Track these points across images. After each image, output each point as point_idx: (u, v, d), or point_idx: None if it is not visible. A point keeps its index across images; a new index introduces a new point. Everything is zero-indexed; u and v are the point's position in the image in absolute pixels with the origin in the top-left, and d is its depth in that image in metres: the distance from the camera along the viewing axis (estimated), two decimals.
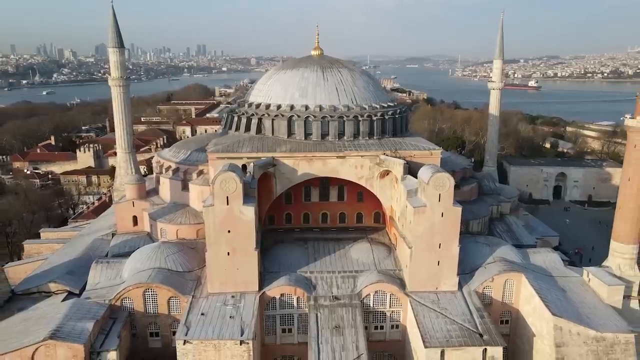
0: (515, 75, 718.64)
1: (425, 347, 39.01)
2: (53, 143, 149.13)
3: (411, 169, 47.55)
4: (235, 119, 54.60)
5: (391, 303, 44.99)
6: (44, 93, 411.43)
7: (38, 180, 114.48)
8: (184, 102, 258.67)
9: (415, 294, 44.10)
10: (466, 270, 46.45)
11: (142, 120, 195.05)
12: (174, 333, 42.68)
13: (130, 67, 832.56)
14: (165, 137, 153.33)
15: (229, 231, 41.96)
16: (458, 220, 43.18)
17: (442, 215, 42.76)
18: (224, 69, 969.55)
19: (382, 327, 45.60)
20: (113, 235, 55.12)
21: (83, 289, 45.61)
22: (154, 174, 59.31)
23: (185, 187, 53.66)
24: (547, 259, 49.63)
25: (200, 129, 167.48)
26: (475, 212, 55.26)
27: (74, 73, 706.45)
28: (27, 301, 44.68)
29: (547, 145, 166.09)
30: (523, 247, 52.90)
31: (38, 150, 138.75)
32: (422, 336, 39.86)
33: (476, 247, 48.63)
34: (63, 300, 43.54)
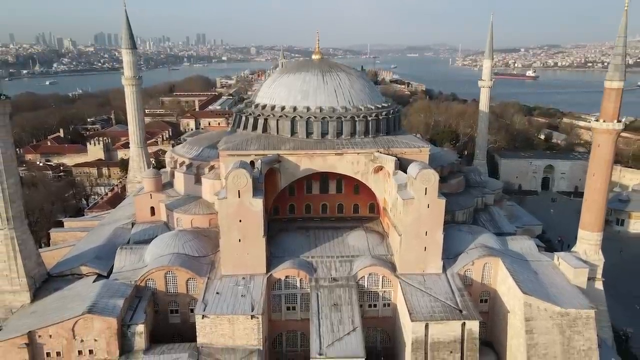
0: (516, 65, 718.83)
1: (412, 321, 44.85)
2: (62, 135, 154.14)
3: (402, 165, 52.95)
4: (243, 118, 59.84)
5: (383, 284, 50.60)
6: (47, 83, 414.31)
7: (51, 172, 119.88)
8: (186, 93, 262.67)
9: (405, 276, 49.71)
10: (450, 255, 52.02)
11: (146, 112, 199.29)
12: (192, 310, 48.54)
13: None
14: (170, 129, 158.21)
15: (240, 221, 47.42)
16: (442, 211, 48.67)
17: (428, 207, 48.23)
18: (224, 58, 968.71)
19: (375, 305, 51.26)
20: (133, 224, 60.68)
21: (110, 271, 51.21)
22: (169, 169, 64.53)
23: (198, 181, 58.91)
24: (523, 245, 55.33)
25: (204, 121, 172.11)
26: (461, 203, 60.74)
27: (74, 63, 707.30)
28: (61, 282, 50.25)
29: (542, 137, 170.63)
30: (503, 234, 58.41)
31: (48, 143, 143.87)
32: (409, 312, 45.68)
33: (460, 235, 54.24)
34: (94, 281, 49.22)
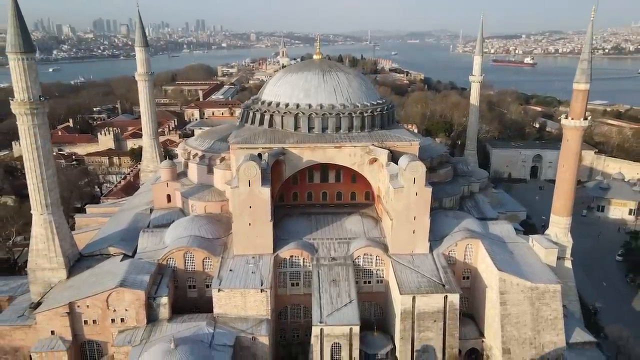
0: (517, 52, 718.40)
1: (401, 294, 51.45)
2: (71, 125, 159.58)
3: (395, 157, 58.92)
4: (251, 114, 65.57)
5: (377, 263, 56.97)
6: (50, 70, 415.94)
7: (64, 161, 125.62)
8: (188, 82, 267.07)
9: (395, 256, 56.07)
10: (437, 237, 58.34)
11: None
12: (207, 286, 55.20)
13: (130, 43, 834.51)
14: (175, 119, 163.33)
15: (250, 207, 53.63)
16: (429, 199, 54.82)
17: (416, 195, 54.36)
18: (224, 44, 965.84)
19: (369, 282, 57.65)
20: (151, 210, 67.00)
21: (134, 252, 57.68)
22: (182, 160, 70.44)
23: (210, 171, 64.87)
24: (503, 229, 61.70)
25: (208, 111, 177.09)
26: (448, 191, 66.92)
27: (74, 49, 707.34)
28: (92, 261, 56.77)
29: (537, 126, 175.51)
30: (486, 219, 64.66)
31: (59, 133, 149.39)
32: (398, 286, 52.23)
33: (446, 220, 60.56)
34: (121, 260, 55.71)
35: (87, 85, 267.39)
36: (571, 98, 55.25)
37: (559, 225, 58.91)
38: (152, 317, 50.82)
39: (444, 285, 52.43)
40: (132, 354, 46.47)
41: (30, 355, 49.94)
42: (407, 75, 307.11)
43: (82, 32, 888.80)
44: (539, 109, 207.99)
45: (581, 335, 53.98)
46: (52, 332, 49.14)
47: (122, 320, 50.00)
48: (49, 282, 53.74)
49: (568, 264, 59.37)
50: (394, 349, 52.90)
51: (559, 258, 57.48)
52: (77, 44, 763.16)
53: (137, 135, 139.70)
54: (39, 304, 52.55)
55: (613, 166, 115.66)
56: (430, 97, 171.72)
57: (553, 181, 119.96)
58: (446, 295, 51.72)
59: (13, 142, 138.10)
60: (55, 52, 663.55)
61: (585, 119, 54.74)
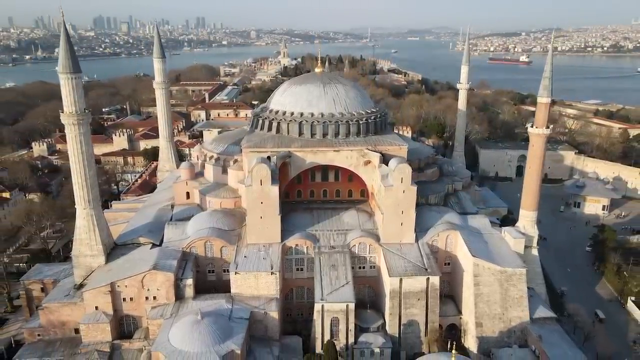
0: (516, 50, 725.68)
1: (390, 276, 60.64)
2: None
3: (386, 159, 67.80)
4: (260, 121, 74.43)
5: (370, 251, 66.08)
6: (56, 69, 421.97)
7: None
8: (192, 82, 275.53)
9: (386, 245, 65.05)
10: (422, 229, 67.22)
11: None
12: (225, 270, 64.25)
13: (131, 41, 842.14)
14: (183, 120, 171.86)
15: (261, 203, 62.67)
16: (414, 196, 63.81)
17: (404, 192, 63.39)
18: (224, 42, 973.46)
19: (363, 267, 66.73)
20: (172, 206, 76.06)
21: (161, 241, 66.74)
22: (199, 161, 79.36)
23: (224, 172, 73.70)
24: (480, 222, 70.77)
25: (214, 113, 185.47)
26: (434, 189, 75.85)
27: (75, 48, 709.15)
28: (125, 249, 65.84)
29: (529, 126, 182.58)
30: (466, 214, 73.70)
31: None
32: (388, 270, 61.40)
33: (430, 214, 69.58)
34: (150, 248, 64.81)
35: (93, 85, 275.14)
36: (536, 109, 64.14)
37: (527, 219, 68.04)
38: (179, 296, 59.90)
39: (426, 269, 61.53)
40: (165, 325, 55.55)
41: (76, 328, 59.24)
42: (405, 76, 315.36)
43: (83, 30, 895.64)
44: (533, 108, 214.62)
45: (543, 312, 63.13)
46: (96, 308, 58.29)
47: (154, 298, 59.08)
48: (90, 266, 62.78)
49: (535, 252, 68.50)
50: (384, 324, 62.09)
51: (526, 247, 66.51)
52: (79, 42, 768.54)
53: (149, 136, 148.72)
54: (81, 285, 61.73)
55: (591, 166, 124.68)
56: (425, 99, 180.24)
57: None
58: (428, 277, 60.84)
59: (33, 143, 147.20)
60: (57, 50, 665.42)
61: (547, 127, 63.83)
